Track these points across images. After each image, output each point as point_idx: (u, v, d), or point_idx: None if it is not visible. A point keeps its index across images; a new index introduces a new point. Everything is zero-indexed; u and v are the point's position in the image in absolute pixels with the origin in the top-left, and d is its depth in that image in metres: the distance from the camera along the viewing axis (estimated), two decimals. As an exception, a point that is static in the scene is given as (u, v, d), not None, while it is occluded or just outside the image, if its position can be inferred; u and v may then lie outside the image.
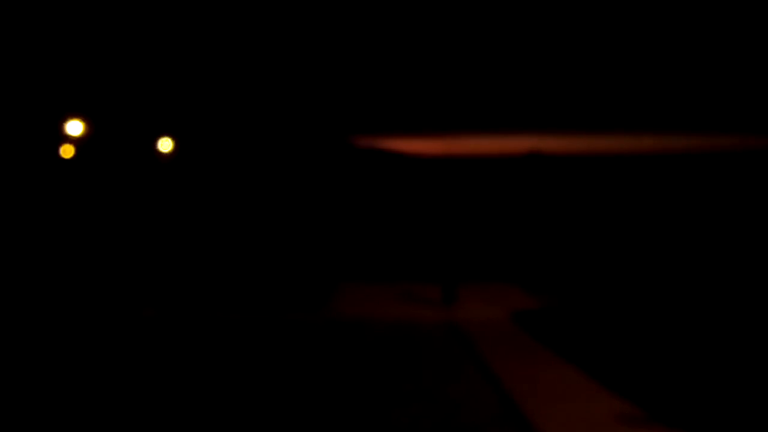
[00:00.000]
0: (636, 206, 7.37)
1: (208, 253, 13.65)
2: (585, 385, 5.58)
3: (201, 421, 4.90)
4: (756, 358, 4.88)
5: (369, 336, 7.49)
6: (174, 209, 23.64)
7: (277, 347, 6.98)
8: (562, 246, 15.59)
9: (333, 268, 12.07)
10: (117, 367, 6.27)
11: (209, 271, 11.64)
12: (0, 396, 5.45)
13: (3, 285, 10.20)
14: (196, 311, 8.73)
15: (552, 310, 8.68)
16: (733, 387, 5.14)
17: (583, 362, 6.21)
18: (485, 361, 6.28)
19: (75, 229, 17.75)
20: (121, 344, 7.16)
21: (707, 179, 6.23)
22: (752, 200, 5.28)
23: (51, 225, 18.51)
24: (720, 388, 5.20)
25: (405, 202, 34.44)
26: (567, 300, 9.28)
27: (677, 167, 7.11)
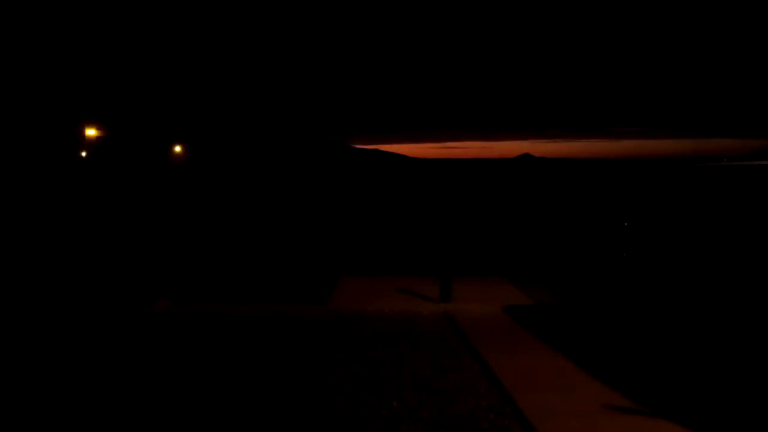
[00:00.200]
0: (627, 203, 7.54)
1: (217, 250, 13.94)
2: (576, 376, 5.81)
3: (213, 403, 5.17)
4: (746, 352, 5.09)
5: (369, 327, 7.67)
6: (185, 207, 24.04)
7: (285, 337, 7.13)
8: (556, 241, 15.81)
9: (334, 262, 12.31)
10: (131, 355, 6.44)
11: (218, 265, 11.90)
12: (9, 391, 5.69)
13: (24, 278, 10.49)
14: (207, 303, 8.95)
15: (546, 304, 8.90)
16: (723, 379, 5.35)
17: (576, 354, 6.43)
18: (480, 352, 6.52)
19: (93, 225, 18.14)
20: (135, 334, 7.35)
21: (695, 178, 6.39)
22: (742, 197, 5.44)
23: (69, 221, 18.93)
24: (709, 380, 5.41)
25: (403, 200, 34.74)
26: (561, 294, 9.49)
27: (667, 167, 7.29)
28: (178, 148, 74.62)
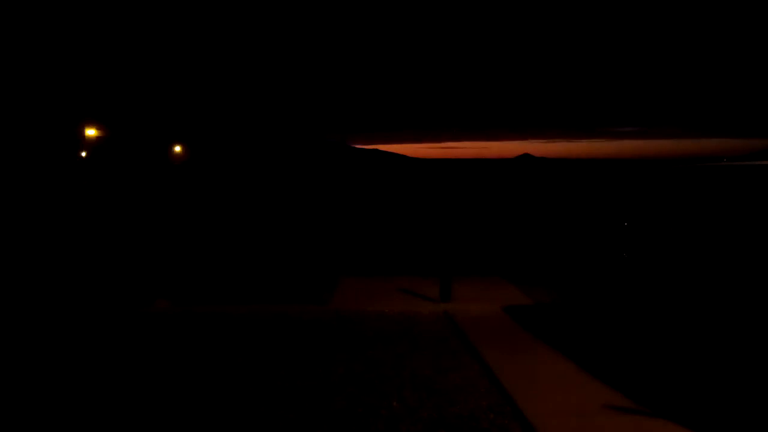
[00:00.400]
0: (627, 203, 7.54)
1: (217, 250, 13.94)
2: (576, 376, 5.81)
3: (213, 403, 5.18)
4: (746, 352, 5.09)
5: (369, 327, 7.67)
6: (185, 207, 24.05)
7: (285, 337, 7.14)
8: (556, 241, 15.82)
9: (334, 262, 12.31)
10: (131, 355, 6.45)
11: (218, 265, 11.90)
12: (9, 391, 5.69)
13: (24, 278, 10.49)
14: (206, 303, 8.95)
15: (546, 304, 8.91)
16: (723, 379, 5.35)
17: (576, 354, 6.43)
18: (480, 352, 6.52)
19: (92, 225, 18.15)
20: (135, 334, 7.35)
21: (695, 178, 6.40)
22: (742, 197, 5.44)
23: (69, 221, 18.93)
24: (709, 380, 5.41)
25: (403, 200, 34.75)
26: (561, 294, 9.50)
27: (667, 167, 7.30)
28: (178, 148, 74.67)
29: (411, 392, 5.51)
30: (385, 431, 4.75)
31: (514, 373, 5.86)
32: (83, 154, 54.14)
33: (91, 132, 53.38)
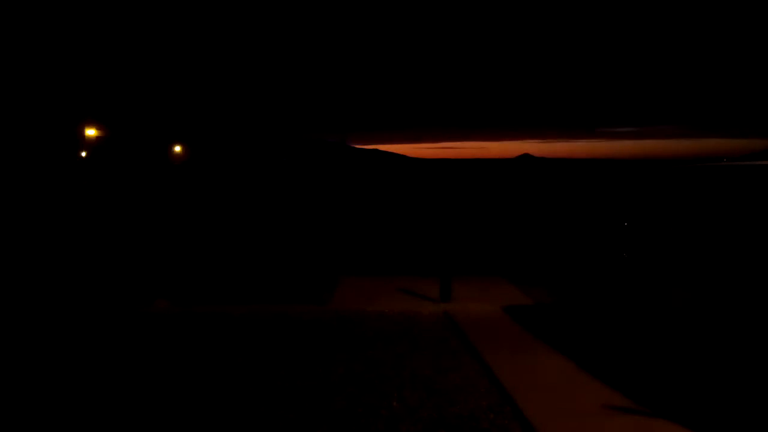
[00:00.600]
0: (627, 203, 7.54)
1: (217, 249, 13.94)
2: (576, 376, 5.81)
3: (213, 404, 5.17)
4: (746, 352, 5.09)
5: (369, 327, 7.67)
6: (185, 207, 24.05)
7: (285, 337, 7.14)
8: (556, 241, 15.83)
9: (334, 262, 12.31)
10: (131, 355, 6.45)
11: (218, 265, 11.90)
12: (9, 391, 5.69)
13: (24, 278, 10.49)
14: (206, 303, 8.95)
15: (546, 304, 8.91)
16: (723, 379, 5.35)
17: (576, 354, 6.44)
18: (480, 352, 6.52)
19: (92, 225, 18.16)
20: (135, 334, 7.36)
21: (695, 178, 6.40)
22: (742, 197, 5.44)
23: (69, 221, 18.94)
24: (709, 380, 5.41)
25: (403, 199, 34.76)
26: (561, 294, 9.51)
27: (667, 167, 7.28)
28: (178, 148, 74.67)
29: (411, 392, 5.51)
30: (385, 431, 4.75)
31: (514, 373, 5.86)
32: (83, 154, 54.15)
33: (91, 132, 53.37)
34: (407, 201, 34.01)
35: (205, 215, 22.01)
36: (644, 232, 6.83)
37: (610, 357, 6.32)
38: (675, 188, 6.63)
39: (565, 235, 17.37)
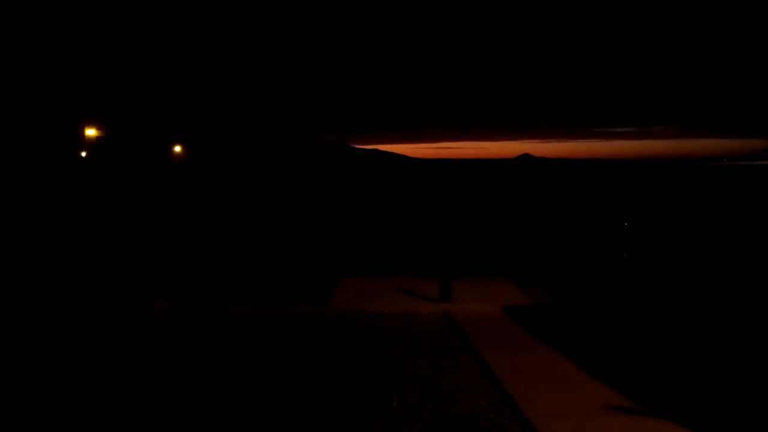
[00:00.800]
0: (627, 203, 7.54)
1: (217, 249, 13.94)
2: (576, 376, 5.81)
3: (213, 404, 5.17)
4: (746, 352, 5.09)
5: (369, 327, 7.68)
6: (185, 207, 24.04)
7: (285, 337, 7.14)
8: (556, 241, 15.83)
9: (334, 262, 12.31)
10: (131, 355, 6.45)
11: (218, 265, 11.90)
12: (9, 391, 5.69)
13: (24, 278, 10.49)
14: (206, 303, 8.95)
15: (546, 304, 8.91)
16: (723, 379, 5.35)
17: (576, 354, 6.44)
18: (480, 352, 6.52)
19: (92, 225, 18.16)
20: (135, 334, 7.35)
21: (695, 178, 6.39)
22: (742, 197, 5.43)
23: (69, 221, 18.94)
24: (709, 380, 5.41)
25: (402, 199, 34.74)
26: (561, 294, 9.51)
27: (667, 167, 7.28)
28: (178, 148, 74.67)
29: (411, 392, 5.51)
30: (385, 431, 4.75)
31: (514, 373, 5.86)
32: (83, 154, 54.17)
33: (91, 132, 53.39)
34: (407, 201, 34.02)
35: (205, 215, 22.01)
36: (644, 232, 6.83)
37: (610, 357, 6.32)
38: (675, 188, 6.63)
39: (565, 235, 17.37)
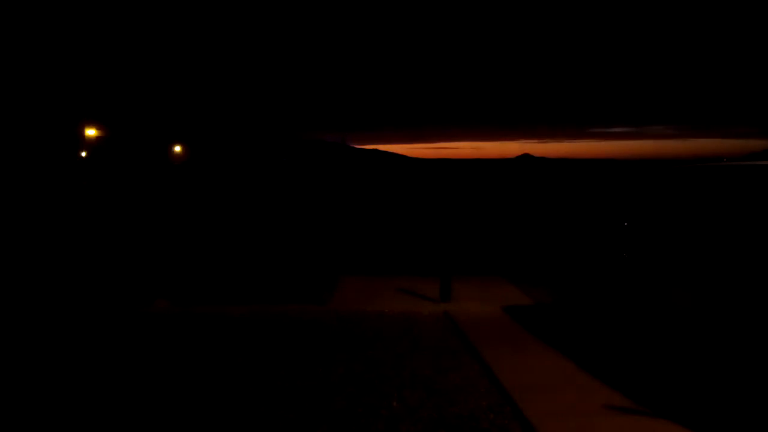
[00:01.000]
0: (627, 203, 7.54)
1: (217, 250, 13.94)
2: (576, 376, 5.81)
3: (213, 404, 5.17)
4: (746, 352, 5.09)
5: (369, 327, 7.68)
6: (185, 207, 24.03)
7: (285, 337, 7.14)
8: (556, 241, 15.83)
9: (334, 262, 12.31)
10: (131, 355, 6.45)
11: (218, 265, 11.90)
12: (9, 391, 5.69)
13: (24, 278, 10.49)
14: (206, 303, 8.95)
15: (546, 304, 8.92)
16: (723, 379, 5.35)
17: (576, 354, 6.44)
18: (480, 352, 6.52)
19: (92, 225, 18.15)
20: (135, 334, 7.35)
21: (695, 178, 6.39)
22: (742, 197, 5.42)
23: (69, 221, 18.94)
24: (709, 380, 5.41)
25: (402, 199, 34.73)
26: (561, 294, 9.51)
27: (667, 167, 7.27)
28: (178, 148, 74.70)
29: (411, 392, 5.51)
30: (385, 431, 4.75)
31: (514, 373, 5.86)
32: (83, 154, 54.18)
33: (91, 132, 53.41)
34: (407, 201, 34.02)
35: (205, 215, 22.00)
36: (644, 232, 6.82)
37: (610, 357, 6.32)
38: (675, 188, 6.62)
39: (565, 235, 17.37)
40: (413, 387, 5.64)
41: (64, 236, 15.61)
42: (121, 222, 19.21)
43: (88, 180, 43.15)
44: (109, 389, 5.57)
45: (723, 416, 4.81)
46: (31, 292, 9.45)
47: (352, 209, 26.87)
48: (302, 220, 20.83)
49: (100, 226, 17.82)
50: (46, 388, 5.61)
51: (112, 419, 4.94)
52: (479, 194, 41.36)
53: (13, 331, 7.45)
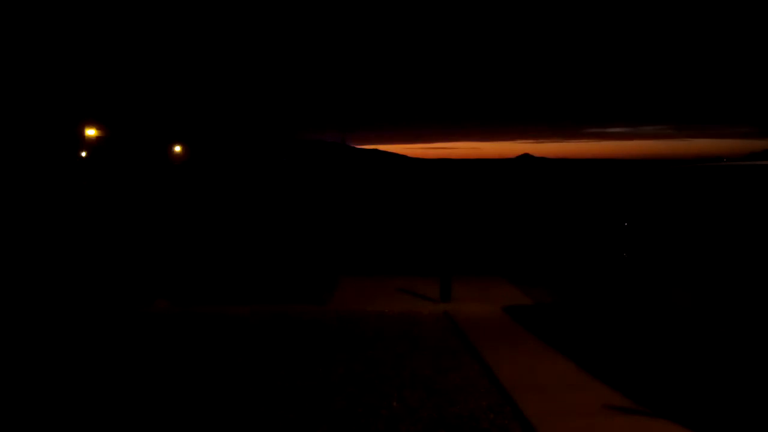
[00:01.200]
0: (627, 203, 7.54)
1: (217, 249, 13.94)
2: (576, 376, 5.81)
3: (213, 404, 5.18)
4: (746, 352, 5.09)
5: (369, 327, 7.68)
6: (185, 207, 24.03)
7: (285, 337, 7.14)
8: (556, 241, 15.83)
9: (334, 262, 12.31)
10: (131, 355, 6.45)
11: (218, 265, 11.90)
12: (9, 391, 5.69)
13: (24, 278, 10.49)
14: (206, 303, 8.95)
15: (546, 304, 8.92)
16: (723, 379, 5.35)
17: (576, 354, 6.44)
18: (480, 352, 6.52)
19: (92, 225, 18.15)
20: (135, 334, 7.36)
21: (695, 178, 6.39)
22: (742, 197, 5.41)
23: (69, 221, 18.94)
24: (709, 380, 5.41)
25: (402, 199, 34.73)
26: (561, 294, 9.51)
27: (667, 167, 7.27)
28: (178, 148, 74.67)
29: (411, 392, 5.51)
30: (385, 431, 4.75)
31: (514, 373, 5.87)
32: (83, 154, 54.18)
33: (91, 132, 53.41)
34: (407, 201, 34.02)
35: (205, 215, 22.00)
36: (644, 232, 6.82)
37: (610, 357, 6.32)
38: (675, 188, 6.62)
39: (565, 235, 17.37)
40: (413, 387, 5.64)
41: (64, 236, 15.61)
42: (121, 222, 19.21)
43: (88, 180, 43.14)
44: (109, 389, 5.57)
45: (723, 416, 4.81)
46: (31, 292, 9.45)
47: (352, 209, 26.87)
48: (302, 220, 20.82)
49: (100, 226, 17.82)
50: (46, 389, 5.61)
51: (113, 419, 4.95)
52: (479, 194, 41.36)
53: (14, 331, 7.45)
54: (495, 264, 12.41)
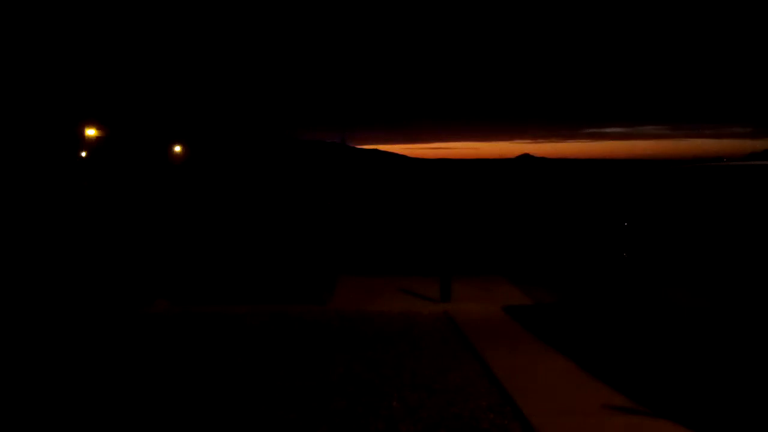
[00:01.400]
0: (627, 203, 7.54)
1: (217, 249, 13.91)
2: (577, 376, 5.81)
3: (213, 404, 5.18)
4: (746, 352, 5.09)
5: (369, 327, 7.67)
6: (185, 207, 23.98)
7: (285, 337, 7.15)
8: (556, 241, 15.83)
9: (334, 262, 12.31)
10: (130, 355, 6.45)
11: (218, 265, 11.88)
12: (8, 391, 5.69)
13: (24, 278, 10.49)
14: (206, 303, 8.95)
15: (546, 304, 8.92)
16: (723, 379, 5.35)
17: (576, 354, 6.44)
18: (480, 352, 6.52)
19: (92, 225, 18.15)
20: (135, 334, 7.36)
21: (695, 178, 6.39)
22: (742, 197, 5.41)
23: (69, 221, 18.94)
24: (709, 380, 5.41)
25: (402, 199, 34.69)
26: (561, 294, 9.51)
27: (667, 167, 7.27)
28: (178, 148, 74.65)
29: (411, 392, 5.51)
30: (385, 431, 4.75)
31: (514, 373, 5.87)
32: (83, 154, 54.18)
33: (91, 132, 53.39)
34: (407, 201, 34.02)
35: (205, 215, 21.98)
36: (644, 232, 6.82)
37: (611, 357, 6.32)
38: (675, 188, 6.62)
39: (565, 235, 17.37)
40: (413, 387, 5.64)
41: (64, 236, 15.61)
42: (121, 222, 19.20)
43: (89, 180, 43.14)
44: (109, 389, 5.57)
45: (723, 416, 4.81)
46: (31, 292, 9.45)
47: (352, 209, 26.86)
48: (302, 220, 20.81)
49: (100, 226, 17.81)
50: (46, 389, 5.61)
51: (113, 419, 4.95)
52: (479, 194, 41.37)
53: (13, 331, 7.45)
54: (495, 264, 12.40)
